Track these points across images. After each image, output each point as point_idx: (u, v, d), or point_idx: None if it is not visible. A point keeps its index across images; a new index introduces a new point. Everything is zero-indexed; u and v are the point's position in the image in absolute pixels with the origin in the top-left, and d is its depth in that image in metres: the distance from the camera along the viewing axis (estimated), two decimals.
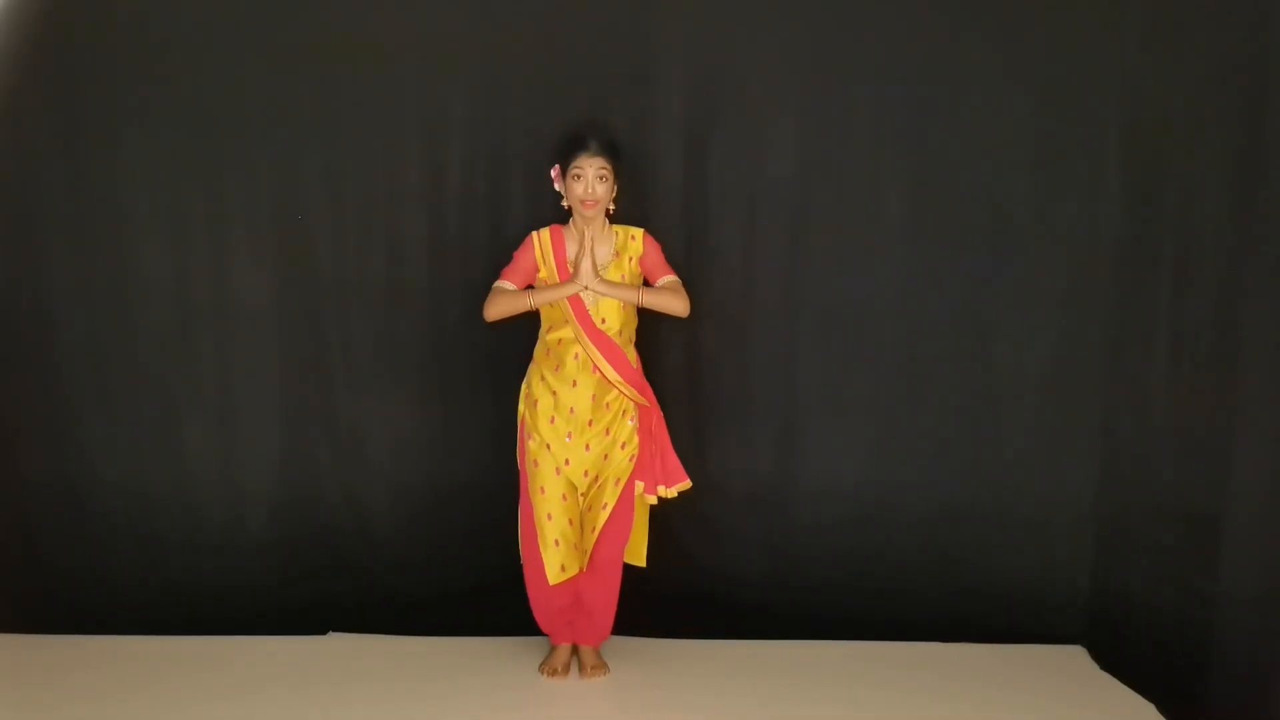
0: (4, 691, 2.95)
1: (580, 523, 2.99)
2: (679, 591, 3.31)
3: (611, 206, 2.94)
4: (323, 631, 3.34)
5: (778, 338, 3.27)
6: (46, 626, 3.30)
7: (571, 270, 2.89)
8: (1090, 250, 3.15)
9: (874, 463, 3.30)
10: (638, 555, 3.08)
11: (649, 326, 3.24)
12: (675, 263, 3.16)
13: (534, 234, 2.98)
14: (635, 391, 2.96)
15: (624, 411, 2.98)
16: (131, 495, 3.30)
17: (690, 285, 3.22)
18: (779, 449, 3.32)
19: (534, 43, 3.15)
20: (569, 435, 2.94)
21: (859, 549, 3.33)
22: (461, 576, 3.37)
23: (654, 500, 3.02)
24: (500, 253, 3.12)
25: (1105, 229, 3.13)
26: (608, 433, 2.96)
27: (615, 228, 2.99)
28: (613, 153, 2.89)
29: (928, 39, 3.13)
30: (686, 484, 3.04)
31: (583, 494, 2.99)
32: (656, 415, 3.03)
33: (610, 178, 2.88)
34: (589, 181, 2.85)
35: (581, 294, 2.90)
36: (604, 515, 2.95)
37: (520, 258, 2.97)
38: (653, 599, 3.21)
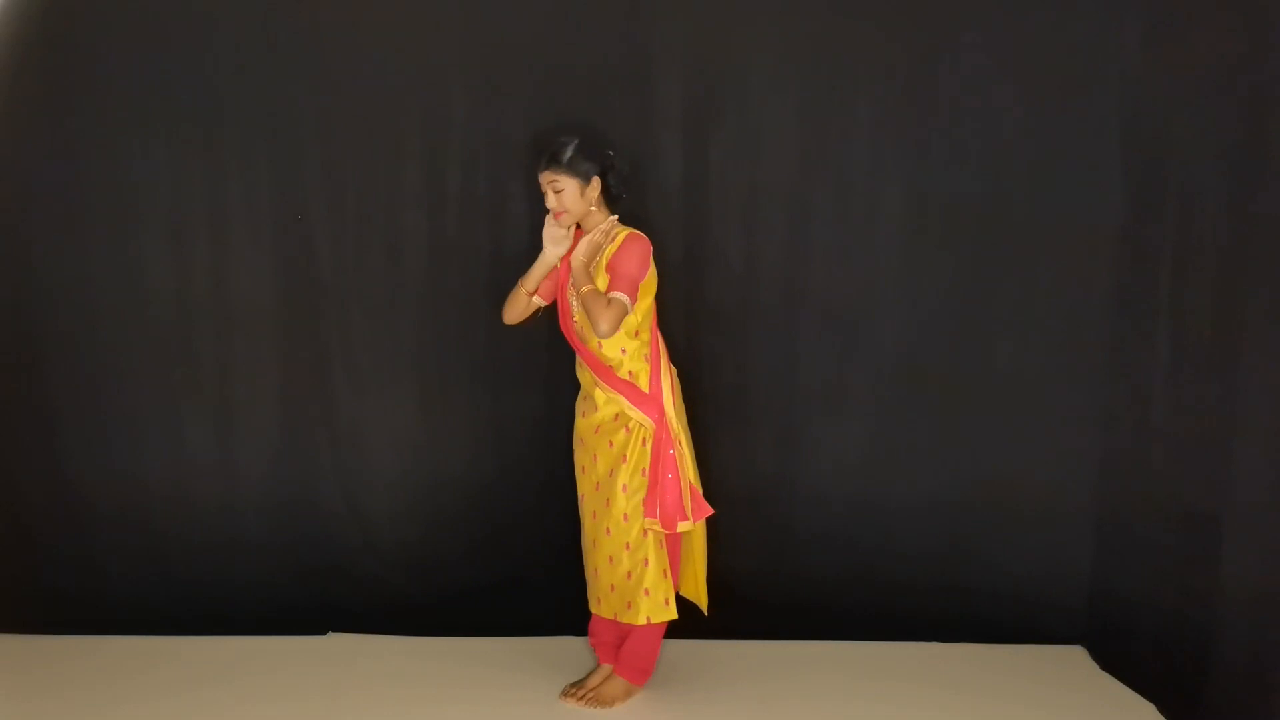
0: (3, 692, 2.96)
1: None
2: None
3: (594, 209, 2.80)
4: (323, 631, 3.34)
5: (778, 338, 3.27)
6: (46, 626, 3.30)
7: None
8: (1090, 249, 3.15)
9: (873, 462, 3.30)
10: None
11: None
12: (675, 262, 3.15)
13: None
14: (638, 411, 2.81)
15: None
16: (131, 495, 3.30)
17: (690, 285, 3.23)
18: (779, 449, 3.32)
19: (534, 42, 3.15)
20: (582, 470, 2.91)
21: (858, 548, 3.33)
22: (461, 576, 3.37)
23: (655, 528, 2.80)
24: (500, 253, 3.12)
25: (1105, 228, 3.13)
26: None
27: (619, 230, 2.82)
28: (554, 162, 2.75)
29: (927, 38, 3.13)
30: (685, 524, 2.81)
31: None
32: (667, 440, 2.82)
33: (569, 186, 2.76)
34: (548, 196, 2.79)
35: (570, 296, 2.83)
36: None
37: None
38: None
